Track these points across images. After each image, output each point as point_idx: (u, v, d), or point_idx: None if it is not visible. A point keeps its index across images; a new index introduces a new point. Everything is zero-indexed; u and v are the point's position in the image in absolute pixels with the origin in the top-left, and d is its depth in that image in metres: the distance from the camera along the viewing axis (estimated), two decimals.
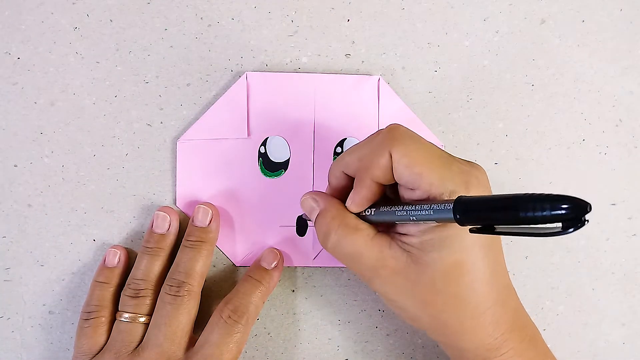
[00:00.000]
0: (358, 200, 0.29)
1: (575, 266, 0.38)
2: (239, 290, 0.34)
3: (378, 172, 0.28)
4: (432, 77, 0.37)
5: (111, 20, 0.36)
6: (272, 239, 0.36)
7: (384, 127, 0.29)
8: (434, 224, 0.27)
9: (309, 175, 0.36)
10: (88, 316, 0.33)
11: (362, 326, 0.37)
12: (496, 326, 0.28)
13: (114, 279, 0.34)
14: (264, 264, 0.35)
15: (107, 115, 0.36)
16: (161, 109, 0.36)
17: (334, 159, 0.36)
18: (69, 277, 0.36)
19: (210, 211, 0.34)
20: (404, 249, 0.28)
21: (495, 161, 0.38)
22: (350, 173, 0.30)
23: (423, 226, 0.27)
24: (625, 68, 0.38)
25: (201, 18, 0.36)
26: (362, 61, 0.37)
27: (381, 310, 0.37)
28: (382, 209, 0.29)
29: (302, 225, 0.36)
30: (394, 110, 0.37)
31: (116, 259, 0.35)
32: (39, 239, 0.36)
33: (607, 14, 0.38)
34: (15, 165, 0.36)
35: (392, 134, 0.27)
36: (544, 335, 0.31)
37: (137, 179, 0.36)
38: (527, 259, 0.38)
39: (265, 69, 0.37)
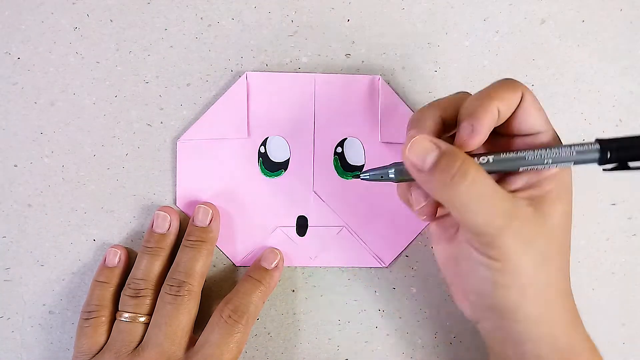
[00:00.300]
0: (479, 128, 0.26)
1: (575, 266, 0.38)
2: (239, 290, 0.34)
3: (505, 104, 0.27)
4: (432, 77, 0.37)
5: (111, 20, 0.36)
6: (272, 239, 0.36)
7: (501, 79, 0.28)
8: (553, 171, 0.28)
9: (309, 175, 0.36)
10: (88, 316, 0.33)
11: (362, 326, 0.37)
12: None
13: (114, 279, 0.34)
14: (264, 264, 0.35)
15: (107, 115, 0.36)
16: (161, 109, 0.36)
17: (334, 159, 0.36)
18: (69, 277, 0.36)
19: (211, 211, 0.34)
20: (526, 202, 0.27)
21: None
22: (450, 116, 0.29)
23: (544, 175, 0.28)
24: (625, 68, 0.38)
25: (201, 18, 0.36)
26: (362, 61, 0.37)
27: (381, 310, 0.37)
28: (504, 155, 0.28)
29: (302, 225, 0.36)
30: (394, 110, 0.37)
31: (116, 258, 0.35)
32: (39, 239, 0.36)
33: (607, 14, 0.38)
34: (15, 165, 0.36)
35: (519, 83, 0.28)
36: None
37: (137, 179, 0.36)
38: None
39: (265, 69, 0.37)
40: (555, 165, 0.27)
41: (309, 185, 0.36)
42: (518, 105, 0.27)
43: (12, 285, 0.36)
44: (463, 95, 0.30)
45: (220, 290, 0.36)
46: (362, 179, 0.31)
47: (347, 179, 0.37)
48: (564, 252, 0.28)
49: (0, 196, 0.36)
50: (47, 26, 0.36)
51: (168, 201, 0.36)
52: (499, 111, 0.27)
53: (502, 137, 0.29)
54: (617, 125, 0.38)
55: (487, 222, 0.26)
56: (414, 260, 0.37)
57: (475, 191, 0.26)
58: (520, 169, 0.28)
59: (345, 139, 0.37)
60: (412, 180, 0.29)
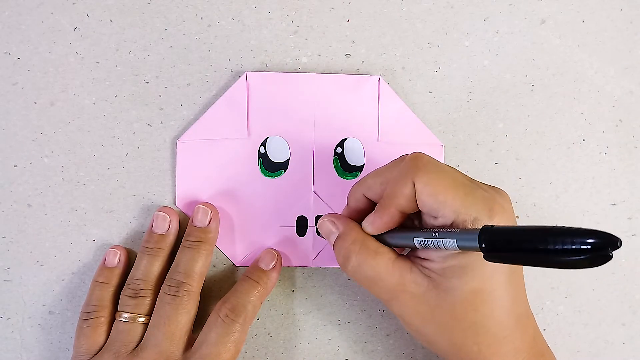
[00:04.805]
0: (378, 224, 0.29)
1: None
2: (237, 290, 0.34)
3: (402, 202, 0.28)
4: (432, 77, 0.37)
5: (111, 20, 0.36)
6: (272, 239, 0.36)
7: (408, 154, 0.29)
8: (456, 250, 0.27)
9: (309, 175, 0.36)
10: (87, 316, 0.33)
11: (362, 326, 0.37)
12: (515, 353, 0.28)
13: (114, 279, 0.34)
14: (262, 265, 0.35)
15: (107, 115, 0.36)
16: (161, 109, 0.36)
17: (334, 159, 0.36)
18: (69, 277, 0.36)
19: (210, 211, 0.34)
20: (425, 274, 0.28)
21: (495, 161, 0.38)
22: (372, 197, 0.30)
23: (445, 252, 0.27)
24: (625, 68, 0.38)
25: (201, 18, 0.36)
26: (362, 61, 0.37)
27: (381, 310, 0.37)
28: (404, 233, 0.29)
29: (302, 225, 0.36)
30: (394, 110, 0.37)
31: (116, 259, 0.35)
32: (39, 239, 0.36)
33: (607, 14, 0.38)
34: (15, 165, 0.36)
35: (415, 163, 0.28)
36: (543, 335, 0.31)
37: (137, 179, 0.36)
38: None
39: (265, 69, 0.37)
40: (441, 248, 0.27)
41: (309, 185, 0.36)
42: (415, 193, 0.28)
43: (12, 285, 0.36)
44: (391, 176, 0.29)
45: (220, 290, 0.36)
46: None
47: (347, 179, 0.37)
48: (469, 326, 0.28)
49: (0, 196, 0.36)
50: (47, 26, 0.36)
51: (168, 201, 0.36)
52: (401, 209, 0.28)
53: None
54: (617, 125, 0.38)
55: (377, 296, 0.30)
56: None
57: (358, 273, 0.29)
58: (418, 246, 0.28)
59: (345, 139, 0.37)
60: None
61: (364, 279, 0.30)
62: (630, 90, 0.38)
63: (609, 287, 0.38)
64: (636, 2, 0.38)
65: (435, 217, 0.28)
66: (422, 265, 0.29)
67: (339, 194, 0.36)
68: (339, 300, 0.37)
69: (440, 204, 0.27)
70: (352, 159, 0.37)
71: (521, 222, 0.38)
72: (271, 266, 0.35)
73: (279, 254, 0.35)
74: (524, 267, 0.30)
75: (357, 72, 0.37)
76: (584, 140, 0.38)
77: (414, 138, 0.37)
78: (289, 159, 0.36)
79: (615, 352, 0.38)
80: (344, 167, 0.37)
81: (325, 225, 0.32)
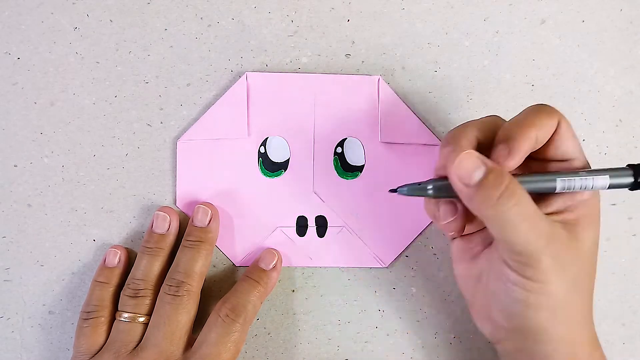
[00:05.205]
0: (516, 152, 0.27)
1: None
2: (237, 290, 0.34)
3: (542, 133, 0.28)
4: (432, 77, 0.37)
5: (111, 20, 0.36)
6: (272, 239, 0.36)
7: (536, 104, 0.29)
8: (585, 196, 0.28)
9: (309, 176, 0.36)
10: (87, 316, 0.33)
11: (362, 326, 0.37)
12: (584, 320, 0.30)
13: (114, 279, 0.34)
14: (262, 265, 0.35)
15: (107, 115, 0.36)
16: (161, 109, 0.36)
17: (334, 159, 0.36)
18: (69, 277, 0.36)
19: (210, 211, 0.34)
20: (563, 224, 0.28)
21: None
22: (484, 138, 0.29)
23: (574, 201, 0.28)
24: (625, 68, 0.38)
25: (201, 18, 0.36)
26: (362, 61, 0.37)
27: (381, 310, 0.37)
28: (543, 174, 0.28)
29: (302, 225, 0.36)
30: (394, 111, 0.37)
31: (116, 259, 0.35)
32: (39, 239, 0.36)
33: (607, 14, 0.38)
34: (15, 165, 0.36)
35: (556, 110, 0.28)
36: None
37: (137, 179, 0.36)
38: None
39: (265, 69, 0.37)
40: (587, 189, 0.28)
41: (309, 185, 0.36)
42: (554, 132, 0.28)
43: (12, 285, 0.36)
44: (496, 119, 0.30)
45: (220, 290, 0.36)
46: (399, 193, 0.30)
47: (347, 179, 0.37)
48: (591, 277, 0.29)
49: (0, 196, 0.36)
50: (47, 26, 0.36)
51: (168, 201, 0.36)
52: (536, 137, 0.27)
53: (534, 161, 0.30)
54: (617, 126, 0.38)
55: (528, 242, 0.26)
56: (414, 261, 0.37)
57: (520, 211, 0.26)
58: (559, 188, 0.28)
59: (345, 139, 0.37)
60: (448, 196, 0.29)
61: (523, 218, 0.26)
62: (630, 90, 0.38)
63: (609, 287, 0.38)
64: (636, 2, 0.38)
65: (565, 161, 0.29)
66: (554, 219, 0.28)
67: (339, 194, 0.36)
68: (339, 300, 0.37)
69: (578, 147, 0.28)
70: (352, 159, 0.37)
71: None
72: (271, 266, 0.35)
73: (279, 253, 0.35)
74: None
75: (357, 72, 0.37)
76: (584, 140, 0.38)
77: (414, 138, 0.37)
78: (289, 159, 0.36)
79: (615, 352, 0.38)
80: (344, 167, 0.37)
81: (469, 161, 0.27)
